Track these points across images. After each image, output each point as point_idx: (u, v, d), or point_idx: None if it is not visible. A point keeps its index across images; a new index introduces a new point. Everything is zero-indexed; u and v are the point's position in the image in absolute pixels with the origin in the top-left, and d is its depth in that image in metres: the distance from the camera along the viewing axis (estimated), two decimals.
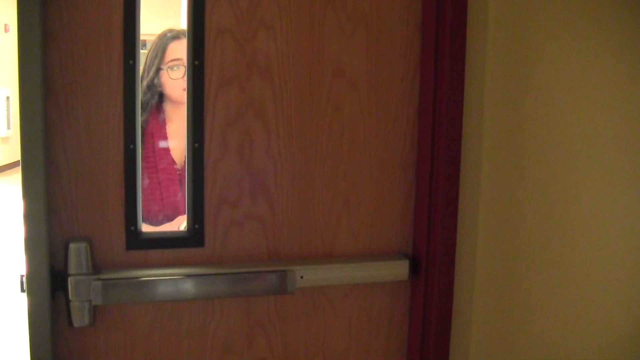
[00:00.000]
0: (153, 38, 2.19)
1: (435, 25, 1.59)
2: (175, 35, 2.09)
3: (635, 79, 1.56)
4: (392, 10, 1.62)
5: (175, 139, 2.08)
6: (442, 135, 1.61)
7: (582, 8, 1.52)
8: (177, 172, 2.05)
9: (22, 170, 1.39)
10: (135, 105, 1.48)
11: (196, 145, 1.54)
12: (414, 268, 1.69)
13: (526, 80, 1.53)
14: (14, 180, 10.99)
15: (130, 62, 1.48)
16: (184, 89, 1.65)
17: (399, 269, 1.68)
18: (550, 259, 1.55)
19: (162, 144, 2.10)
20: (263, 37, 1.54)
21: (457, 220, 1.66)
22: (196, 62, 1.52)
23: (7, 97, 11.72)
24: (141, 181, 1.54)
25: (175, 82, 2.08)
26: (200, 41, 1.51)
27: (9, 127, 11.94)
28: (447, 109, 1.61)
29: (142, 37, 1.57)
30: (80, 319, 1.47)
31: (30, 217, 1.38)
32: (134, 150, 1.49)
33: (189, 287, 1.53)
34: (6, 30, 11.53)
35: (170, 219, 1.85)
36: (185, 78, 1.60)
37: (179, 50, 2.09)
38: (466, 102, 1.61)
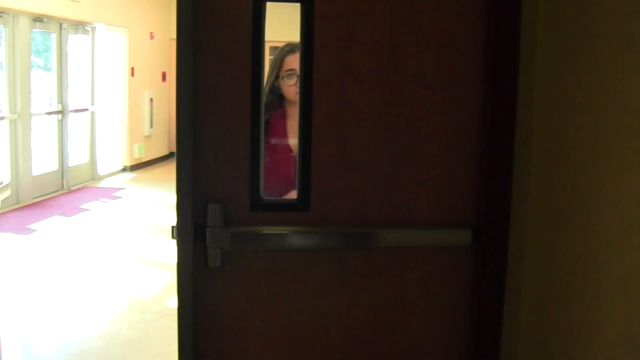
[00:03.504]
0: (281, 45, 2.63)
1: (494, 40, 1.96)
2: (291, 49, 2.51)
3: None
4: (458, 29, 2.00)
5: (292, 131, 2.52)
6: (499, 127, 1.99)
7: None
8: (294, 158, 2.49)
9: (176, 152, 1.89)
10: (260, 102, 1.94)
11: (305, 133, 1.99)
12: (476, 236, 2.05)
13: (572, 79, 1.80)
14: (149, 178, 11.49)
15: (257, 69, 1.93)
16: (297, 93, 2.08)
17: (463, 237, 2.05)
18: (591, 230, 1.72)
19: (281, 134, 2.56)
20: (356, 51, 1.97)
21: (511, 197, 2.02)
22: (306, 70, 1.97)
23: (151, 99, 12.22)
24: (263, 160, 1.99)
25: (290, 87, 2.53)
26: (310, 53, 1.96)
27: (151, 126, 12.44)
28: (503, 105, 1.98)
29: (272, 44, 1.98)
30: (214, 261, 1.94)
31: (181, 185, 1.87)
32: (258, 136, 1.95)
33: (296, 240, 2.00)
34: (151, 37, 12.00)
35: (284, 194, 2.30)
36: (298, 84, 2.04)
37: (294, 62, 2.48)
38: (519, 100, 1.97)
